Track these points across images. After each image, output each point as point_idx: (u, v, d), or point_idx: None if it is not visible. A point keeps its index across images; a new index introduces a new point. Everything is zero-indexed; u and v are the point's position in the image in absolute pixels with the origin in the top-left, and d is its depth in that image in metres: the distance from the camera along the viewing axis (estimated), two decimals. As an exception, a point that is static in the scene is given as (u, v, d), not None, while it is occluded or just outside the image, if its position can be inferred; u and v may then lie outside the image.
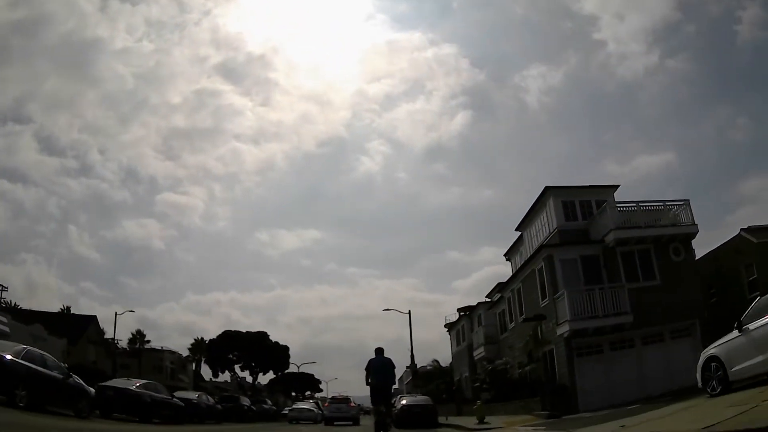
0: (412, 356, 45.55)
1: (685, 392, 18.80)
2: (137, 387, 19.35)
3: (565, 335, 21.30)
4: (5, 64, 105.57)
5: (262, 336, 65.13)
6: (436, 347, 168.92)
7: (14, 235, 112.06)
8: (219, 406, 29.62)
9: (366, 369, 14.03)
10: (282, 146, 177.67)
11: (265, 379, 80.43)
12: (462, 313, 43.71)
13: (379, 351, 14.23)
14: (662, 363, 21.85)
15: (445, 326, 49.19)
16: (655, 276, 23.12)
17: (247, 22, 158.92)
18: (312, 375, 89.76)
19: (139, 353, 70.03)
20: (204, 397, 28.04)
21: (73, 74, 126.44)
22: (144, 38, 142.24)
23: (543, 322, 21.11)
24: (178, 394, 25.85)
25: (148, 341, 72.43)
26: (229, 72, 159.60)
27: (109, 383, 19.80)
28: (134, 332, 72.58)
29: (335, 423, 29.42)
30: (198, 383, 75.48)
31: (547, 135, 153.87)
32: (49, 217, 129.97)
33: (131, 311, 56.91)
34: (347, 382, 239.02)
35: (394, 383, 15.38)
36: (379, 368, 13.85)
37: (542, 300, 23.98)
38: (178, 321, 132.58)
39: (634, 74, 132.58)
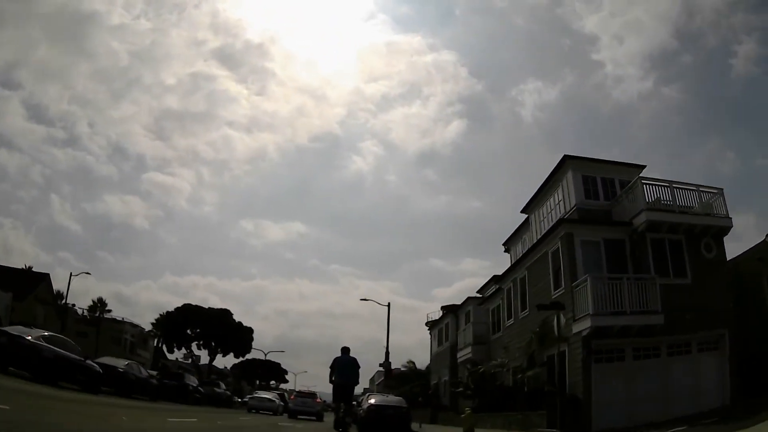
0: (387, 353, 41.34)
1: (725, 412, 15.20)
2: (35, 338, 15.47)
3: (584, 333, 16.85)
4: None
5: (225, 314, 59.86)
6: (412, 352, 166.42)
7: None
8: (155, 381, 25.16)
9: (331, 367, 14.33)
10: (275, 137, 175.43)
11: (227, 362, 75.61)
12: (446, 311, 39.56)
13: (345, 350, 14.61)
14: (688, 379, 17.85)
15: (427, 324, 45.41)
16: (686, 273, 18.94)
17: (247, 9, 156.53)
18: (278, 364, 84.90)
19: (98, 322, 65.68)
20: (135, 367, 23.50)
21: (67, 45, 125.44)
22: (142, 16, 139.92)
23: (561, 313, 16.68)
24: (102, 359, 21.59)
25: (109, 310, 67.72)
26: (226, 58, 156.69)
27: (5, 328, 16.32)
28: (95, 300, 67.94)
29: (299, 417, 28.67)
30: (159, 360, 70.88)
31: (539, 151, 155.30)
32: (31, 184, 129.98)
33: (87, 273, 51.66)
34: (316, 376, 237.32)
35: (358, 383, 15.29)
36: (343, 367, 14.24)
37: (555, 290, 19.61)
38: (154, 300, 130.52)
39: (628, 98, 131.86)
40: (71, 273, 51.14)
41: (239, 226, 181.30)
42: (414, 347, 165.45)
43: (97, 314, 66.95)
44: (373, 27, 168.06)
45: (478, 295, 35.07)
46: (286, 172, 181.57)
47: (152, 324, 69.76)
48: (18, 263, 65.33)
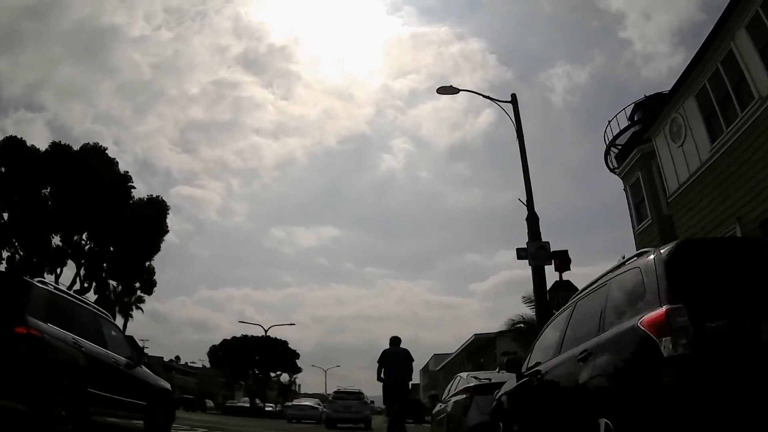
0: (531, 205, 19.42)
1: None
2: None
3: None
4: (16, 50, 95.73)
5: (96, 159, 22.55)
6: (453, 348, 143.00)
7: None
8: None
9: (378, 361, 12.19)
10: (303, 141, 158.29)
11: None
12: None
13: (395, 341, 12.50)
14: None
15: (615, 167, 21.88)
16: None
17: (270, 11, 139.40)
18: (285, 342, 56.64)
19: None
20: None
21: (88, 62, 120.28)
22: (163, 26, 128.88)
23: None
24: None
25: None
26: (250, 63, 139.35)
27: None
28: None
29: (338, 425, 22.99)
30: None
31: (572, 136, 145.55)
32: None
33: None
34: (357, 381, 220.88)
35: (411, 379, 12.44)
36: (394, 361, 12.06)
37: None
38: (190, 316, 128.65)
39: (658, 75, 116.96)
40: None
41: (271, 234, 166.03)
42: (453, 345, 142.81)
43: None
44: (398, 20, 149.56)
45: None
46: (316, 176, 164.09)
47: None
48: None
